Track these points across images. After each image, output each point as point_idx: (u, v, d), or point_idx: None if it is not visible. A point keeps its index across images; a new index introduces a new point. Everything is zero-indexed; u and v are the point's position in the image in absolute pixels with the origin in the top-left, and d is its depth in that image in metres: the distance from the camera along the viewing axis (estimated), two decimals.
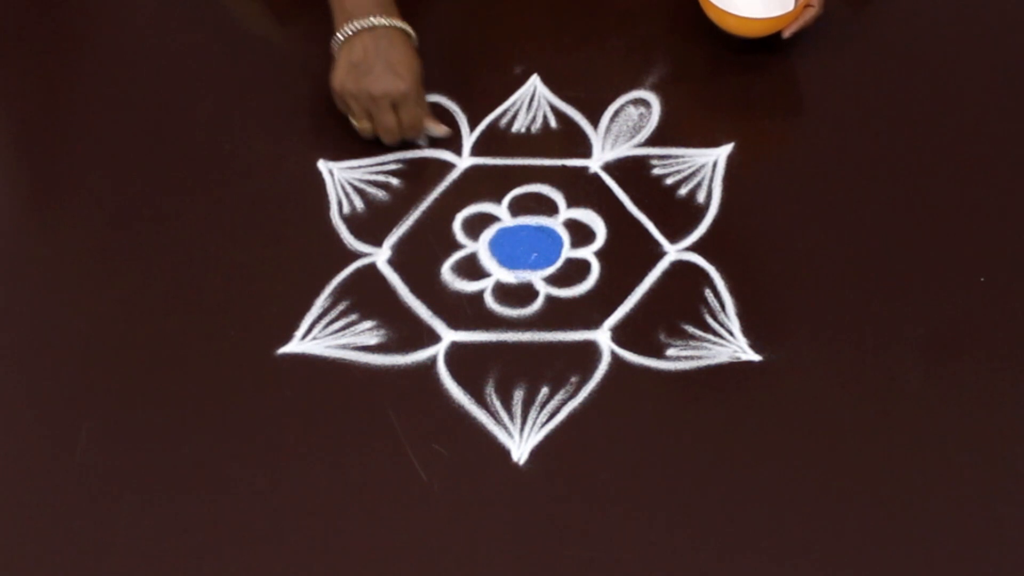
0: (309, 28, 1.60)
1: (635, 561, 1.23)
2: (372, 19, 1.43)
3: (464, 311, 1.38)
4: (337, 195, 1.47)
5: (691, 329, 1.36)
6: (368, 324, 1.37)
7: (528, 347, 1.36)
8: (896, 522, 1.25)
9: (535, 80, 1.55)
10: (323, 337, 1.36)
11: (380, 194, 1.47)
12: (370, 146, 1.50)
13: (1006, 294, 1.38)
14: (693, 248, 1.42)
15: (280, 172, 1.49)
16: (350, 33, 1.43)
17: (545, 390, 1.33)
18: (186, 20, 1.63)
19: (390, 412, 1.31)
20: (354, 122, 1.47)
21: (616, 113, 1.53)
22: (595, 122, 1.52)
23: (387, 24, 1.43)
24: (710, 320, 1.37)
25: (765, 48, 1.57)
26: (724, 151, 1.49)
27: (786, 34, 1.54)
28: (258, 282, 1.41)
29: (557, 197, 1.46)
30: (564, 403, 1.32)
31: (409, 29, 1.45)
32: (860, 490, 1.26)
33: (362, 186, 1.47)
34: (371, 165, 1.49)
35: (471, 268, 1.42)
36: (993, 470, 1.27)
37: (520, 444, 1.30)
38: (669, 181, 1.47)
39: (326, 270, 1.41)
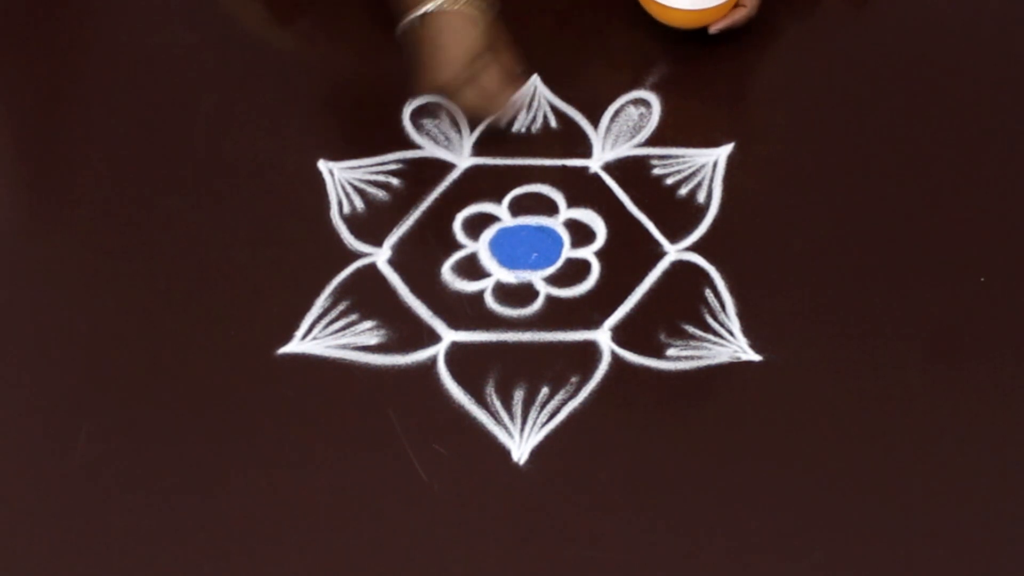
0: (309, 28, 1.60)
1: (635, 561, 1.23)
2: (411, 16, 1.42)
3: (464, 311, 1.38)
4: (337, 195, 1.47)
5: (691, 329, 1.36)
6: (368, 324, 1.37)
7: (528, 347, 1.36)
8: (897, 522, 1.25)
9: (535, 80, 1.55)
10: (323, 337, 1.36)
11: (380, 194, 1.47)
12: (370, 146, 1.50)
13: (1006, 294, 1.38)
14: (693, 248, 1.42)
15: (280, 172, 1.49)
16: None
17: (545, 390, 1.33)
18: (186, 20, 1.63)
19: (390, 412, 1.31)
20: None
21: (616, 113, 1.53)
22: (595, 122, 1.52)
23: (434, 9, 1.41)
24: (710, 320, 1.37)
25: (765, 48, 1.57)
26: (724, 151, 1.49)
27: (712, 30, 1.54)
28: (258, 282, 1.41)
29: (557, 197, 1.46)
30: (564, 403, 1.32)
31: (465, 9, 1.41)
32: (860, 490, 1.26)
33: (362, 186, 1.47)
34: (371, 165, 1.49)
35: (471, 268, 1.42)
36: (994, 470, 1.27)
37: (520, 444, 1.30)
38: (669, 181, 1.47)
39: (326, 270, 1.41)
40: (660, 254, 1.42)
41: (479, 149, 1.50)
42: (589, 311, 1.38)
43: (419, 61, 1.43)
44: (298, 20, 1.61)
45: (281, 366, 1.35)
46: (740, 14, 1.54)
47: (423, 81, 1.44)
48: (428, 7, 1.41)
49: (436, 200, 1.47)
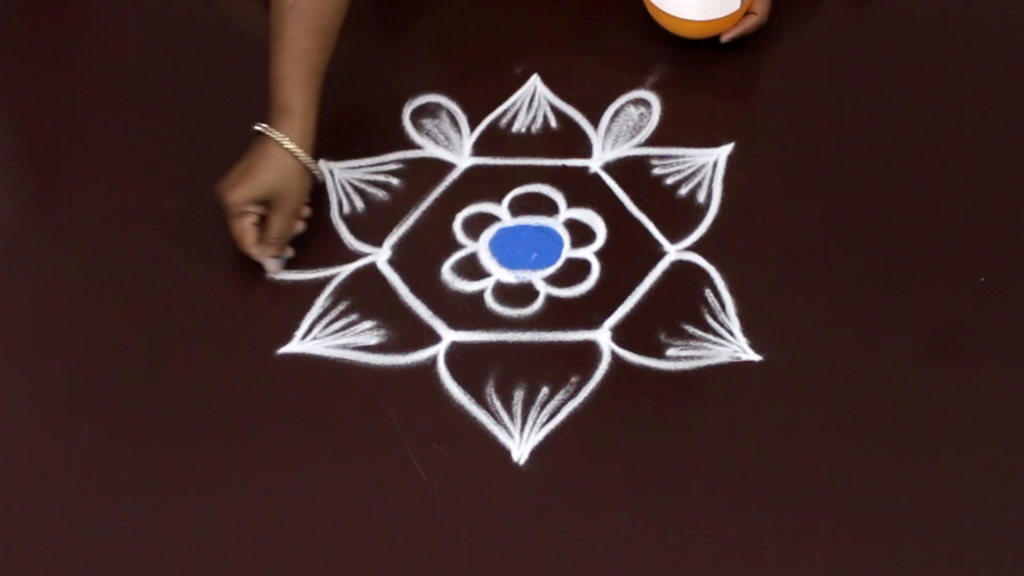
0: None
1: (635, 561, 1.23)
2: (259, 127, 1.38)
3: (464, 311, 1.38)
4: (337, 195, 1.47)
5: (691, 329, 1.36)
6: (368, 324, 1.37)
7: (528, 347, 1.36)
8: (896, 522, 1.24)
9: (535, 80, 1.55)
10: (323, 337, 1.36)
11: (380, 194, 1.47)
12: (370, 146, 1.50)
13: (1006, 294, 1.38)
14: (693, 248, 1.42)
15: None
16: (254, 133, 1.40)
17: (545, 390, 1.33)
18: (186, 20, 1.63)
19: (390, 412, 1.31)
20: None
21: (616, 113, 1.53)
22: (595, 122, 1.52)
23: (275, 138, 1.37)
24: (710, 320, 1.37)
25: (766, 49, 1.57)
26: (724, 151, 1.49)
27: (724, 38, 1.54)
28: (258, 282, 1.41)
29: (557, 197, 1.46)
30: (564, 403, 1.32)
31: (302, 158, 1.38)
32: (860, 490, 1.26)
33: (362, 186, 1.47)
34: (371, 165, 1.49)
35: (471, 268, 1.42)
36: (993, 470, 1.27)
37: (520, 444, 1.30)
38: (669, 181, 1.47)
39: (326, 270, 1.41)
40: (660, 254, 1.42)
41: (479, 149, 1.50)
42: (589, 311, 1.38)
43: (236, 167, 1.38)
44: None
45: (281, 366, 1.35)
46: (751, 21, 1.54)
47: (219, 186, 1.38)
48: (261, 127, 1.38)
49: (436, 200, 1.47)
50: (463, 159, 1.50)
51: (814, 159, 1.49)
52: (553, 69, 1.56)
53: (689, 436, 1.30)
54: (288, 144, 1.37)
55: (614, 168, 1.48)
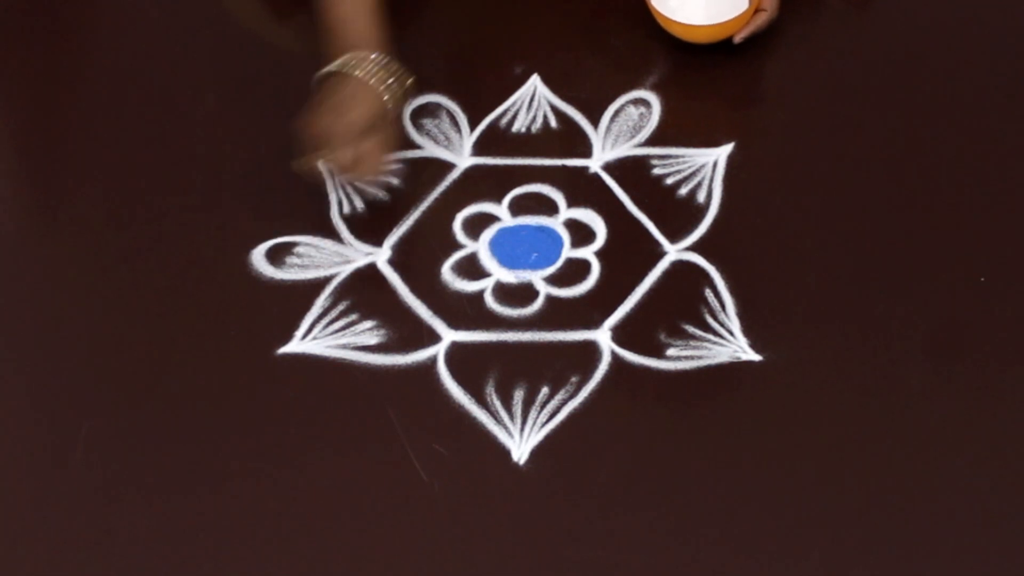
0: (308, 23, 1.60)
1: (635, 561, 1.23)
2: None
3: (464, 311, 1.38)
4: (337, 195, 1.47)
5: (691, 329, 1.36)
6: (368, 324, 1.37)
7: (528, 347, 1.36)
8: (896, 522, 1.25)
9: (535, 80, 1.55)
10: (323, 337, 1.36)
11: (380, 194, 1.47)
12: None
13: (1006, 294, 1.38)
14: (693, 248, 1.42)
15: (280, 172, 1.49)
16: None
17: (545, 390, 1.33)
18: (186, 20, 1.63)
19: (390, 412, 1.31)
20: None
21: (616, 113, 1.53)
22: (595, 122, 1.52)
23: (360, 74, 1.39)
24: (710, 320, 1.37)
25: (765, 49, 1.57)
26: (724, 151, 1.49)
27: (737, 39, 1.54)
28: (258, 282, 1.41)
29: (557, 197, 1.46)
30: (564, 403, 1.32)
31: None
32: (860, 490, 1.26)
33: (362, 186, 1.47)
34: None
35: (471, 268, 1.42)
36: (993, 470, 1.27)
37: (520, 444, 1.30)
38: (669, 181, 1.47)
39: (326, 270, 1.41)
40: (660, 254, 1.42)
41: (479, 149, 1.50)
42: (589, 311, 1.38)
43: (316, 110, 1.39)
44: (297, 15, 1.61)
45: (281, 366, 1.35)
46: (762, 19, 1.54)
47: (311, 125, 1.39)
48: (346, 68, 1.39)
49: (436, 200, 1.47)
50: (463, 159, 1.50)
51: (814, 159, 1.49)
52: (553, 69, 1.56)
53: (689, 436, 1.30)
54: (359, 73, 1.39)
55: (614, 168, 1.48)
